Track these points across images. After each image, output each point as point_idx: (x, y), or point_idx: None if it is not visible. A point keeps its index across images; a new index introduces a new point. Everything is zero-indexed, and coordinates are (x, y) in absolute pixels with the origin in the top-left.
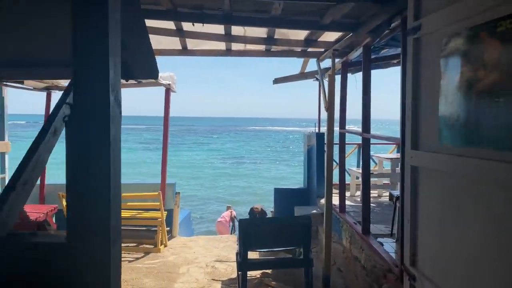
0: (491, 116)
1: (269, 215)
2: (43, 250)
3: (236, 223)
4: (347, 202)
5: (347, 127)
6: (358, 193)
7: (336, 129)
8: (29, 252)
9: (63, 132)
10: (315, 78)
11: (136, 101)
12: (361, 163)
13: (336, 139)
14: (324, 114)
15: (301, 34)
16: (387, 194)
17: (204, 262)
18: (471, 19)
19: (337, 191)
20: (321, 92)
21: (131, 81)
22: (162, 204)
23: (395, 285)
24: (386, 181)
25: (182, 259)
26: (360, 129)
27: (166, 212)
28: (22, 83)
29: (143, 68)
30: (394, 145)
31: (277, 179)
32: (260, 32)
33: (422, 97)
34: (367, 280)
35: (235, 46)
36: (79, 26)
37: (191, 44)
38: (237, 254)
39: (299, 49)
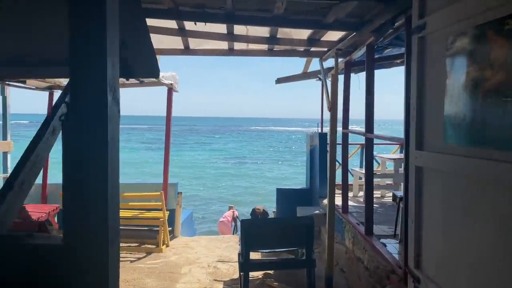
0: (498, 116)
1: (271, 215)
2: (39, 251)
3: (238, 223)
4: (350, 203)
5: (349, 127)
6: (361, 193)
7: (339, 129)
8: (25, 254)
9: None
10: (318, 78)
11: (138, 101)
12: (364, 163)
13: (339, 139)
14: (327, 114)
15: (304, 34)
16: (390, 194)
17: (206, 262)
18: (478, 17)
19: (340, 191)
20: (324, 92)
21: (133, 81)
22: (164, 204)
23: (398, 287)
24: (389, 181)
25: (184, 259)
26: (362, 129)
27: (168, 212)
28: (24, 82)
29: (144, 67)
30: (397, 146)
31: (279, 179)
32: (263, 31)
33: (427, 96)
34: (370, 281)
35: (238, 46)
36: (76, 23)
37: (193, 43)
38: (239, 254)
39: (301, 48)
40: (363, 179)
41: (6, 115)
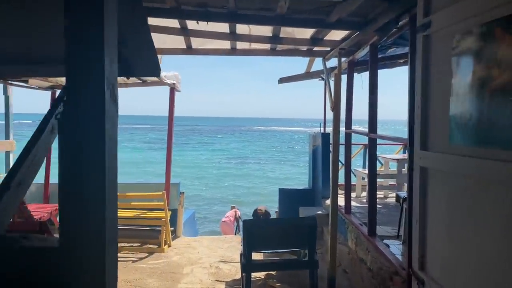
0: (505, 115)
1: (274, 215)
2: (35, 253)
3: (241, 223)
4: (353, 203)
5: (352, 127)
6: (364, 194)
7: (342, 129)
8: (20, 256)
9: None
10: (320, 78)
11: (142, 100)
12: (367, 163)
13: (342, 140)
14: (329, 114)
15: (307, 33)
16: (393, 195)
17: (208, 262)
18: (485, 15)
19: (343, 192)
20: (327, 91)
21: (136, 81)
22: (166, 204)
23: None
24: (392, 182)
25: (186, 259)
26: (365, 130)
27: (170, 212)
28: (26, 82)
29: (144, 66)
30: (401, 146)
31: (282, 179)
32: (265, 30)
33: (431, 96)
34: (373, 282)
35: (240, 45)
36: (72, 19)
37: (196, 43)
38: (241, 255)
39: (304, 48)
40: (366, 180)
41: (8, 115)
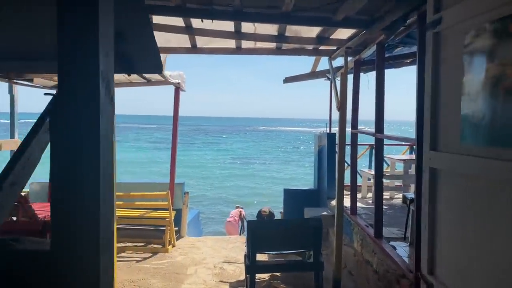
0: None
1: (278, 216)
2: (25, 257)
3: (245, 223)
4: (359, 204)
5: (358, 128)
6: (370, 195)
7: (348, 129)
8: (10, 260)
9: None
10: (326, 77)
11: (148, 100)
12: (373, 164)
13: (348, 140)
14: (335, 114)
15: (312, 31)
16: (400, 196)
17: (212, 263)
18: (498, 10)
19: (348, 192)
20: (333, 91)
21: (140, 80)
22: (170, 204)
23: None
24: (398, 183)
25: (190, 259)
26: (371, 130)
27: (174, 211)
28: (31, 81)
29: (146, 62)
30: (407, 147)
31: (287, 179)
32: (271, 29)
33: (442, 95)
34: (379, 285)
35: (245, 44)
36: (64, 9)
37: (201, 42)
38: (245, 256)
39: (310, 47)
40: (372, 180)
41: (14, 114)
